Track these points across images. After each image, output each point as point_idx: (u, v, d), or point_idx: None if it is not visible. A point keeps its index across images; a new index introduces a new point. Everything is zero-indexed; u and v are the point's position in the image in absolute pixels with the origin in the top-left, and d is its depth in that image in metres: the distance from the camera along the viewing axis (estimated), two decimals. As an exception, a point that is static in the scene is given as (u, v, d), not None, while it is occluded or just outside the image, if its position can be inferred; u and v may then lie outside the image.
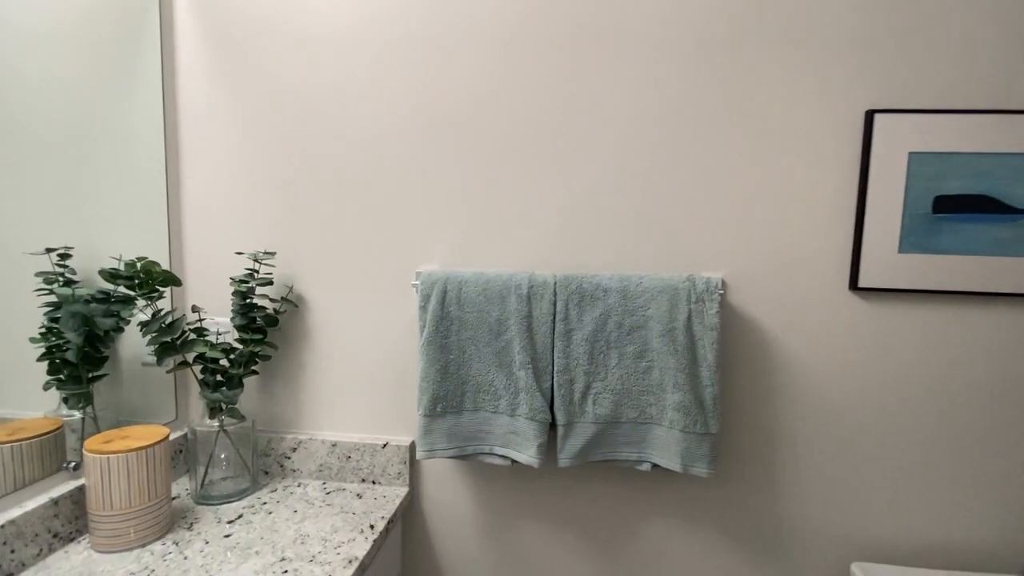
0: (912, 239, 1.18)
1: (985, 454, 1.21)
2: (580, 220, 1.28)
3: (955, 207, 1.16)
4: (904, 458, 1.24)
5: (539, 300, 1.21)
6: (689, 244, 1.26)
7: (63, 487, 1.09)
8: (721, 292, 1.18)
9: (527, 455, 1.19)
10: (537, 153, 1.28)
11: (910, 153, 1.17)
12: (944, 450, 1.22)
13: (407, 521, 1.43)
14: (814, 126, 1.20)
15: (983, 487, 1.22)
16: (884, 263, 1.19)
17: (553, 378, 1.21)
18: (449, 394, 1.23)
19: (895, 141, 1.17)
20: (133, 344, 1.28)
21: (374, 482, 1.39)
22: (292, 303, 1.41)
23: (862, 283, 1.20)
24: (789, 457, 1.28)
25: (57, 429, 1.10)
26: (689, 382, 1.16)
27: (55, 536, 1.05)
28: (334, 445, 1.40)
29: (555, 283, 1.21)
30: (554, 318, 1.21)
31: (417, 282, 1.26)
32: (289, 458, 1.43)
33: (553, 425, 1.22)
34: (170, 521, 1.15)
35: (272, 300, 1.39)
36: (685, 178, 1.24)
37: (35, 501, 1.04)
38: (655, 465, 1.21)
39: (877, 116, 1.17)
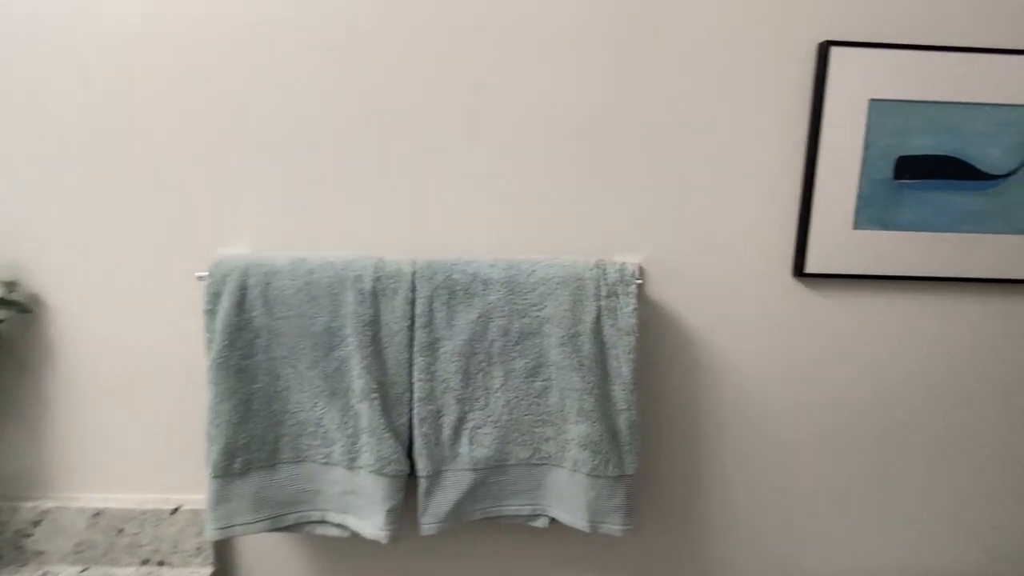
0: (869, 212, 0.93)
1: (956, 471, 1.02)
2: (452, 185, 0.92)
3: (919, 171, 0.92)
4: (861, 480, 1.02)
5: (390, 298, 0.84)
6: (595, 219, 0.93)
7: None
8: (638, 282, 0.87)
9: (373, 525, 0.82)
10: (391, 98, 0.89)
11: (871, 101, 0.91)
12: (908, 470, 1.02)
13: (219, 609, 1.02)
14: (754, 63, 0.91)
15: (958, 511, 1.03)
16: (836, 243, 0.94)
17: (412, 411, 0.85)
18: (254, 441, 0.83)
19: (854, 84, 0.90)
20: None
21: (161, 563, 0.96)
22: (20, 307, 0.92)
23: (810, 268, 0.94)
24: (720, 491, 1.01)
25: None
26: (598, 407, 0.84)
27: None
28: (97, 514, 0.95)
29: (414, 273, 0.84)
30: (412, 324, 0.84)
31: (205, 273, 0.83)
32: (30, 535, 0.96)
33: (413, 476, 0.86)
34: None
35: (-22, 303, 0.90)
36: (589, 129, 0.91)
37: None
38: (554, 519, 0.89)
39: (833, 50, 0.89)
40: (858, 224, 0.93)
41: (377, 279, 0.84)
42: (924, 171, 0.92)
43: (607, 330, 0.86)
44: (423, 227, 0.92)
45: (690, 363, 0.97)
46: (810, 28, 0.90)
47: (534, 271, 0.86)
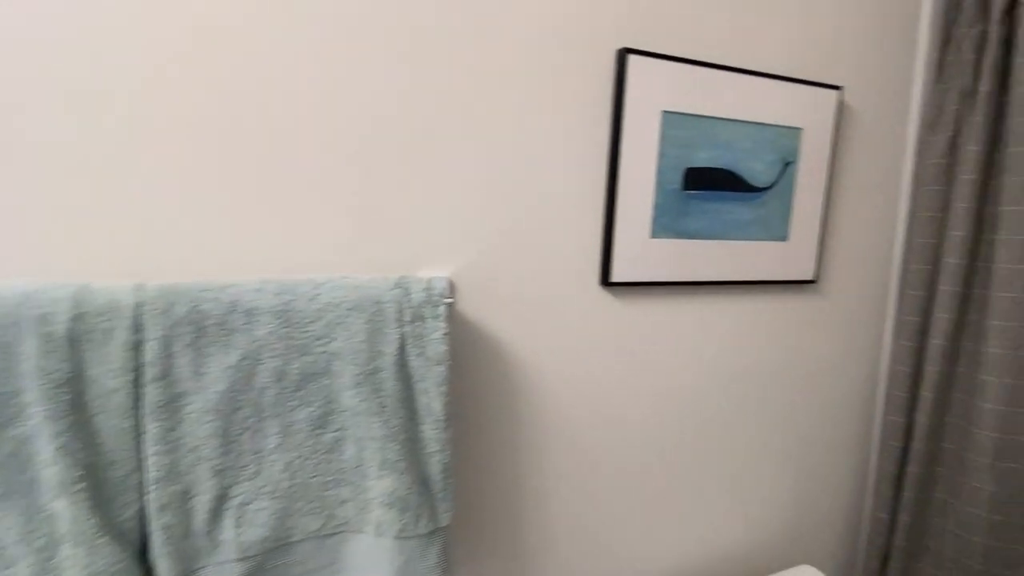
0: (664, 221, 0.96)
1: (760, 453, 1.12)
2: (199, 183, 0.69)
3: (703, 182, 0.97)
4: (677, 476, 1.06)
5: (99, 344, 0.59)
6: (394, 228, 0.80)
7: None
8: (449, 300, 0.76)
9: (83, 674, 0.57)
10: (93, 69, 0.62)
11: (664, 112, 0.92)
12: (720, 460, 1.09)
13: None
14: (557, 68, 0.85)
15: (764, 494, 1.14)
16: (637, 251, 0.94)
17: (144, 498, 0.61)
18: None
19: (649, 95, 0.91)
20: None
21: None
22: None
23: (615, 276, 0.94)
24: (539, 517, 0.97)
25: None
26: (406, 454, 0.71)
27: None
28: None
29: (138, 305, 0.60)
30: (138, 377, 0.61)
31: None
32: None
33: (152, 583, 0.63)
34: None
35: None
36: (384, 127, 0.76)
37: None
38: (358, 593, 0.74)
39: (631, 58, 0.88)
40: (655, 232, 0.95)
41: (77, 317, 0.58)
42: (706, 182, 0.98)
43: (413, 361, 0.73)
44: (155, 238, 0.68)
45: (506, 385, 0.90)
46: (610, 35, 0.88)
47: (317, 295, 0.68)
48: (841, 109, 1.10)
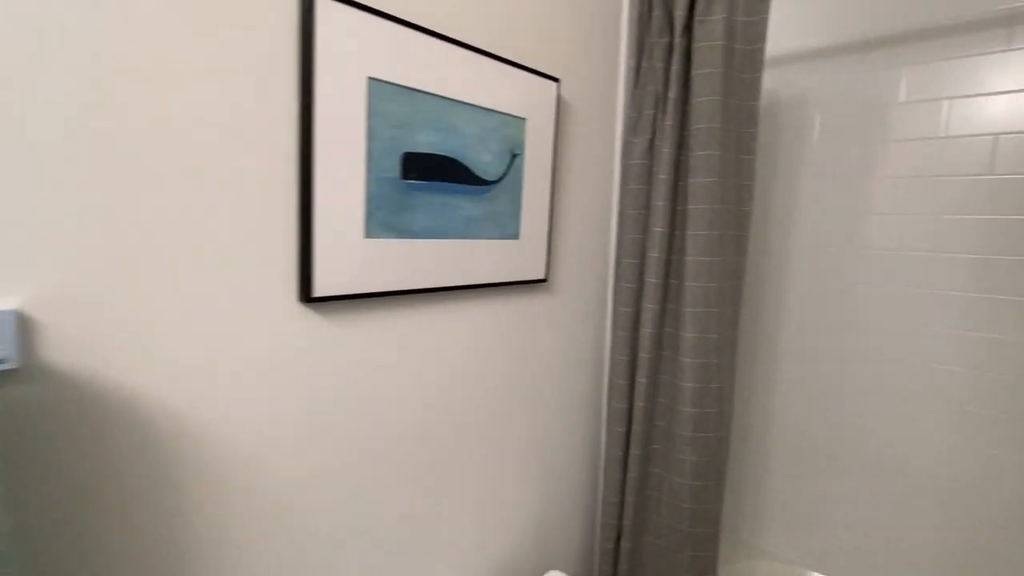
0: (382, 217, 0.77)
1: (496, 474, 1.01)
2: None
3: (426, 171, 0.82)
4: (412, 523, 0.88)
5: None
6: None
7: None
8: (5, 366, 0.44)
9: None
10: None
11: (371, 80, 0.74)
12: (465, 470, 0.94)
13: None
14: (222, 12, 0.59)
15: (510, 510, 1.03)
16: (348, 255, 0.74)
17: None
18: None
19: (351, 55, 0.71)
20: None
21: None
22: None
23: (319, 290, 0.72)
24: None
25: None
26: None
27: None
28: None
29: None
30: None
31: None
32: None
33: None
34: None
35: None
36: None
37: None
38: None
39: (322, 5, 0.67)
40: (371, 231, 0.76)
41: None
42: (429, 171, 0.83)
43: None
44: None
45: (148, 464, 0.60)
46: (287, -39, 0.65)
47: None
48: (560, 103, 1.08)
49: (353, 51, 0.71)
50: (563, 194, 1.13)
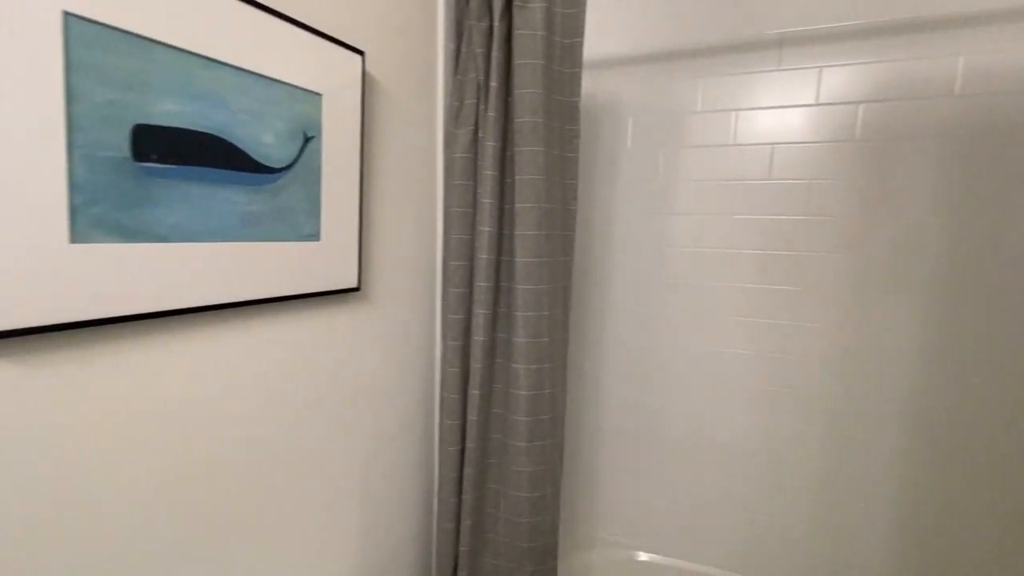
0: (101, 213, 0.55)
1: (311, 518, 0.81)
2: None
3: (174, 152, 0.61)
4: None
5: None
6: None
7: None
8: None
9: None
10: None
11: (68, 15, 0.51)
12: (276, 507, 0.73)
13: None
14: None
15: (330, 551, 0.83)
16: (41, 270, 0.51)
17: None
18: None
19: (22, -32, 0.48)
20: None
21: None
22: None
23: (-11, 321, 0.48)
24: None
25: None
26: None
27: None
28: None
29: None
30: None
31: None
32: None
33: None
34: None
35: None
36: None
37: None
38: None
39: None
40: (82, 234, 0.53)
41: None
42: (181, 152, 0.62)
43: None
44: None
45: None
46: None
47: None
48: (368, 81, 0.93)
49: (33, -32, 0.48)
50: (377, 188, 0.98)
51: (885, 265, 1.28)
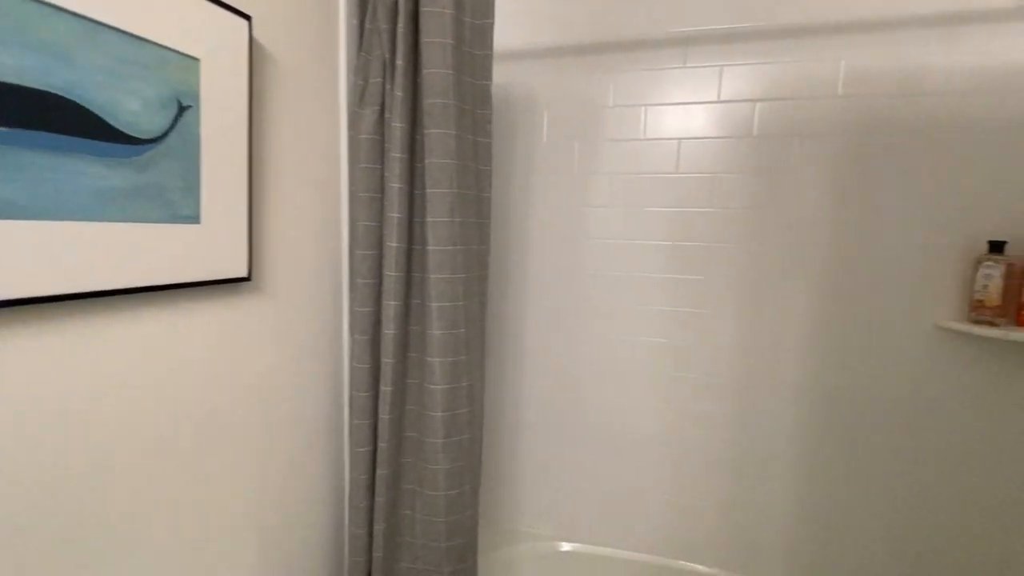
0: None
1: (203, 535, 0.71)
2: None
3: (6, 111, 0.51)
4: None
5: None
6: None
7: None
8: None
9: None
10: None
11: None
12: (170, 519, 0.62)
13: None
14: None
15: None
16: None
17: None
18: None
19: None
20: None
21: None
22: None
23: None
24: None
25: None
26: None
27: None
28: None
29: None
30: None
31: None
32: None
33: None
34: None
35: None
36: None
37: None
38: None
39: None
40: None
41: None
42: (17, 113, 0.52)
43: None
44: None
45: None
46: None
47: None
48: (255, 48, 0.84)
49: None
50: (271, 168, 0.89)
51: (781, 254, 1.37)
